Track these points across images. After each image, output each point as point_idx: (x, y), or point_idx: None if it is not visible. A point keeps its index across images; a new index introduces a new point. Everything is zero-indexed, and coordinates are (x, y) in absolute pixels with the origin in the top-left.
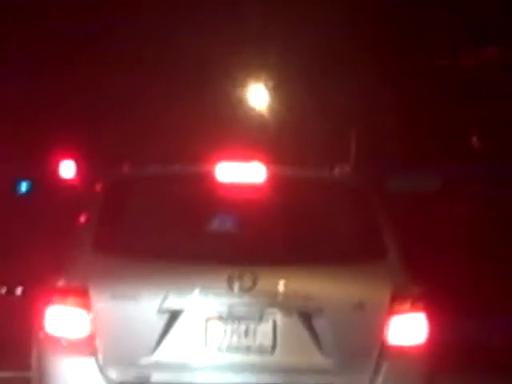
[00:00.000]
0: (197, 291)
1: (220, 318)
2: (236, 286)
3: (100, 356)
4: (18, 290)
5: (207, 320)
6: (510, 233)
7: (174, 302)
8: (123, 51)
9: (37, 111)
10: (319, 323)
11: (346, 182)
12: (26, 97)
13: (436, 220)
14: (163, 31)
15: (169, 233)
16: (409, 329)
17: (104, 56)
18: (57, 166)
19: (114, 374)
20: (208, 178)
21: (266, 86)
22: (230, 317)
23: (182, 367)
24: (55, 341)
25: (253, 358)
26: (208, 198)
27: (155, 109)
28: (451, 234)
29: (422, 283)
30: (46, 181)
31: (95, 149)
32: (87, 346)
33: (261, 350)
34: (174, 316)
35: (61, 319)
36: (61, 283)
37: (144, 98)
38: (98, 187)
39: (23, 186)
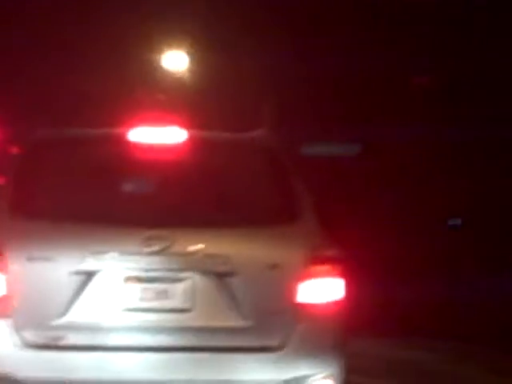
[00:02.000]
0: (112, 252)
1: (135, 279)
2: (151, 247)
3: (14, 317)
4: None
5: (123, 281)
6: (429, 196)
7: (89, 263)
8: (41, 12)
9: None
10: (234, 284)
11: (261, 144)
12: None
13: (355, 184)
14: None
15: (85, 195)
16: (324, 291)
17: (22, 15)
18: None
19: (27, 336)
20: (124, 141)
21: (186, 52)
22: (146, 278)
23: (96, 328)
24: None
25: (168, 319)
26: (124, 160)
27: (73, 71)
28: (370, 200)
29: (339, 247)
30: None
31: (9, 111)
32: (2, 307)
33: (176, 311)
34: (88, 277)
35: None
36: None
37: (61, 61)
38: (14, 150)
39: None
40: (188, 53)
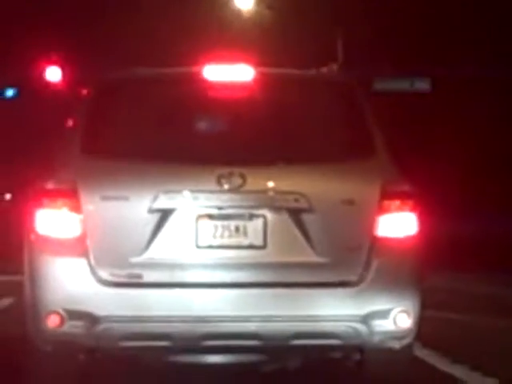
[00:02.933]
0: (187, 191)
1: (210, 216)
2: (225, 185)
3: (91, 256)
4: (7, 196)
5: (198, 219)
6: (497, 135)
7: (164, 201)
8: None
9: (22, 18)
10: (309, 220)
11: (333, 80)
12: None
13: (425, 122)
14: None
15: (158, 134)
16: (399, 225)
17: None
18: (43, 70)
19: (105, 274)
20: (195, 79)
21: None
22: (220, 215)
23: (173, 266)
24: (46, 241)
25: (244, 256)
26: (196, 99)
27: (141, 14)
28: (440, 138)
29: (413, 183)
30: (33, 86)
31: (81, 53)
32: (78, 246)
33: (252, 248)
34: (164, 215)
35: (51, 221)
36: (50, 185)
37: (130, 3)
38: (86, 90)
39: (9, 92)
40: None
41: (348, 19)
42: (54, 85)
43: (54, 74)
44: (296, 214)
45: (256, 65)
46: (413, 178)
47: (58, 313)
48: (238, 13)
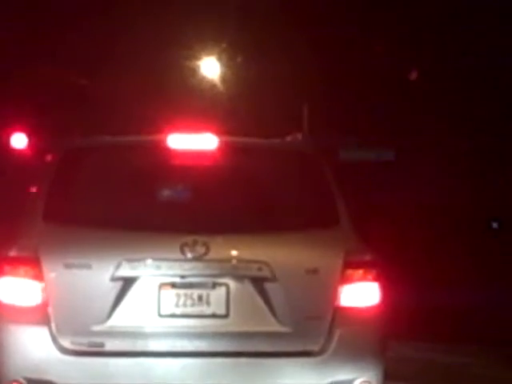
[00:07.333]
0: (150, 259)
1: (173, 285)
2: (188, 253)
3: (53, 324)
4: None
5: (160, 287)
6: (461, 203)
7: (127, 269)
8: (81, 20)
9: None
10: (272, 289)
11: (298, 149)
12: None
13: (389, 190)
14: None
15: (121, 201)
16: (362, 295)
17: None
18: (8, 137)
19: (66, 343)
20: (159, 147)
21: (218, 58)
22: (183, 284)
23: (135, 334)
24: (7, 309)
25: (206, 325)
26: (160, 167)
27: (106, 81)
28: (404, 205)
29: (375, 251)
30: None
31: (46, 120)
32: (39, 314)
33: (214, 317)
34: (127, 284)
35: (13, 289)
36: (12, 253)
37: (96, 70)
38: (50, 157)
39: None
40: (222, 60)
41: (313, 90)
42: (20, 151)
43: (19, 140)
44: (259, 283)
45: (220, 133)
46: (377, 247)
47: (19, 382)
48: (205, 80)
